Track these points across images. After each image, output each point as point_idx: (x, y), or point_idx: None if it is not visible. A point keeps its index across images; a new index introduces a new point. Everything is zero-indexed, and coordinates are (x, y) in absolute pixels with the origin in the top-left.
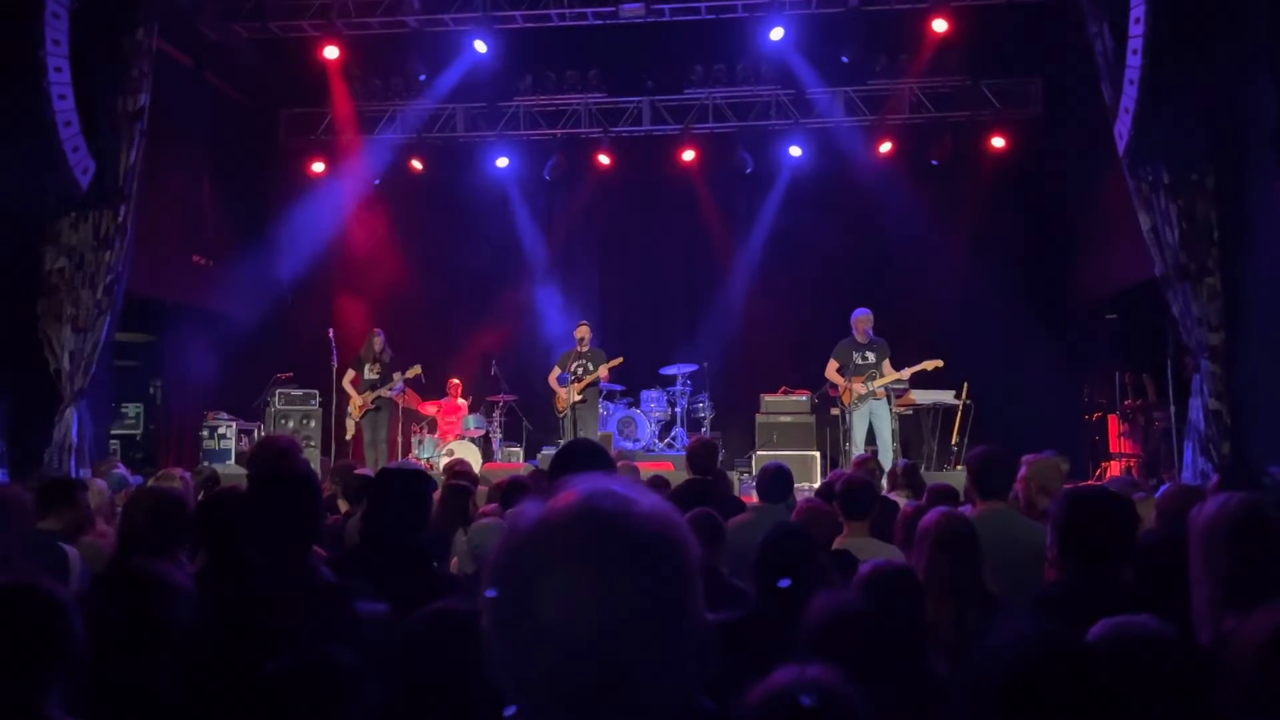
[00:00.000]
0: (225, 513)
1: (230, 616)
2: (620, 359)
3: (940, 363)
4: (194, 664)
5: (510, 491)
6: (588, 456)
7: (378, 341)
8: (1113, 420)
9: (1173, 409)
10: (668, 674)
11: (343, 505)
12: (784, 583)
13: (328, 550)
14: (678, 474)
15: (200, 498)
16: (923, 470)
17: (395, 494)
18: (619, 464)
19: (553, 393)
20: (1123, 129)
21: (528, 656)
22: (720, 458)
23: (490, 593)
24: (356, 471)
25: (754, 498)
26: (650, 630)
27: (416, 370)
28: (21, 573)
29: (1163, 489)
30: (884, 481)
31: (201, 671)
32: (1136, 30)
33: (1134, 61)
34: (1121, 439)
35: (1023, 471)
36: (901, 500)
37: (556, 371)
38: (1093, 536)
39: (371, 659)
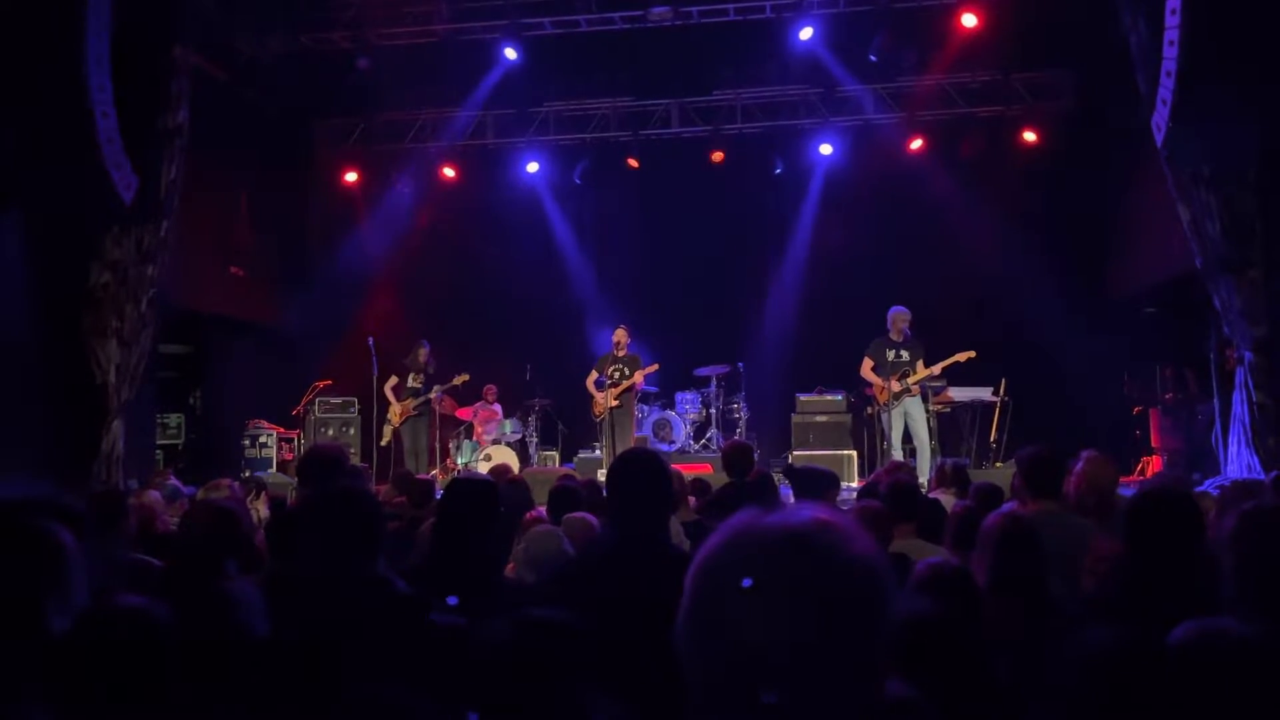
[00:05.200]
0: (292, 530)
1: (299, 631)
2: (655, 365)
3: (973, 353)
4: (263, 681)
5: (559, 498)
6: (642, 466)
7: (424, 352)
8: (1154, 414)
9: (1216, 402)
10: (844, 710)
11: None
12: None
13: (394, 558)
14: (717, 476)
15: (253, 509)
16: None
17: (469, 504)
18: None
19: (590, 397)
20: (1160, 121)
21: (713, 661)
22: (756, 458)
23: (690, 588)
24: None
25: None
26: (835, 668)
27: (464, 378)
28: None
29: (1209, 483)
30: (924, 483)
31: (272, 688)
32: (1173, 21)
33: (1170, 53)
34: (1163, 434)
35: (1079, 466)
36: (948, 499)
37: (594, 375)
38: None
39: (446, 670)
